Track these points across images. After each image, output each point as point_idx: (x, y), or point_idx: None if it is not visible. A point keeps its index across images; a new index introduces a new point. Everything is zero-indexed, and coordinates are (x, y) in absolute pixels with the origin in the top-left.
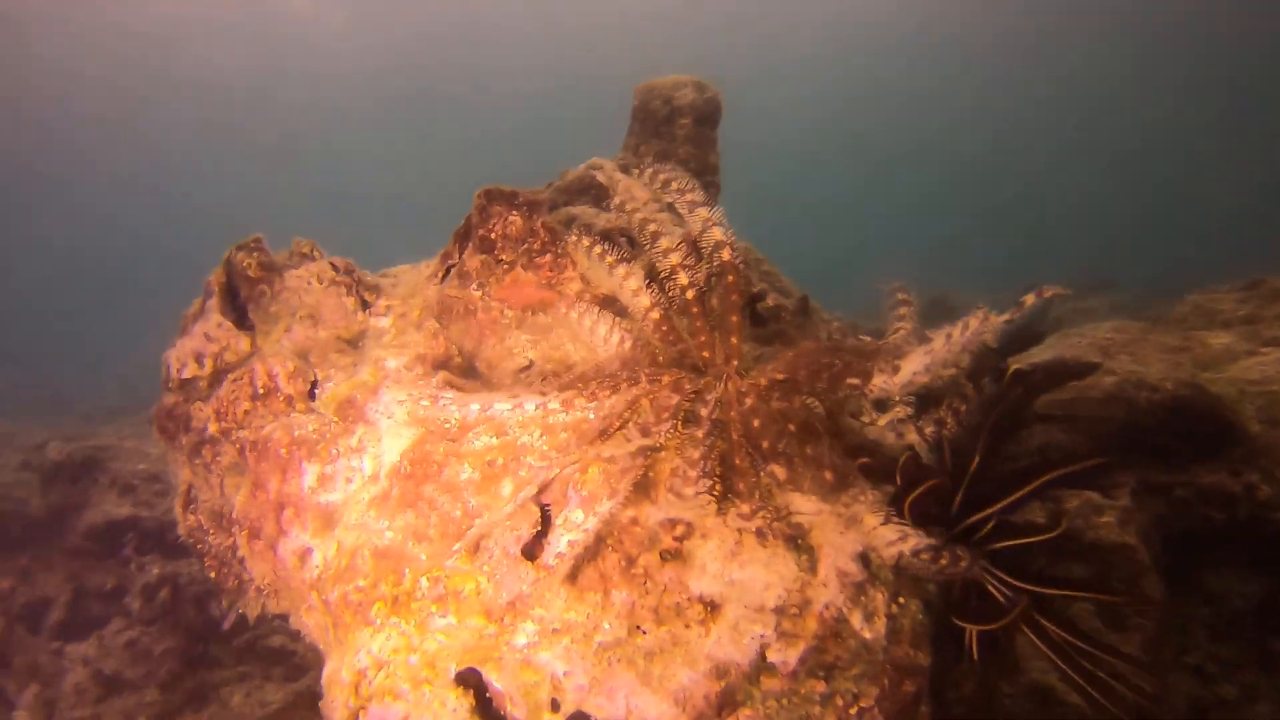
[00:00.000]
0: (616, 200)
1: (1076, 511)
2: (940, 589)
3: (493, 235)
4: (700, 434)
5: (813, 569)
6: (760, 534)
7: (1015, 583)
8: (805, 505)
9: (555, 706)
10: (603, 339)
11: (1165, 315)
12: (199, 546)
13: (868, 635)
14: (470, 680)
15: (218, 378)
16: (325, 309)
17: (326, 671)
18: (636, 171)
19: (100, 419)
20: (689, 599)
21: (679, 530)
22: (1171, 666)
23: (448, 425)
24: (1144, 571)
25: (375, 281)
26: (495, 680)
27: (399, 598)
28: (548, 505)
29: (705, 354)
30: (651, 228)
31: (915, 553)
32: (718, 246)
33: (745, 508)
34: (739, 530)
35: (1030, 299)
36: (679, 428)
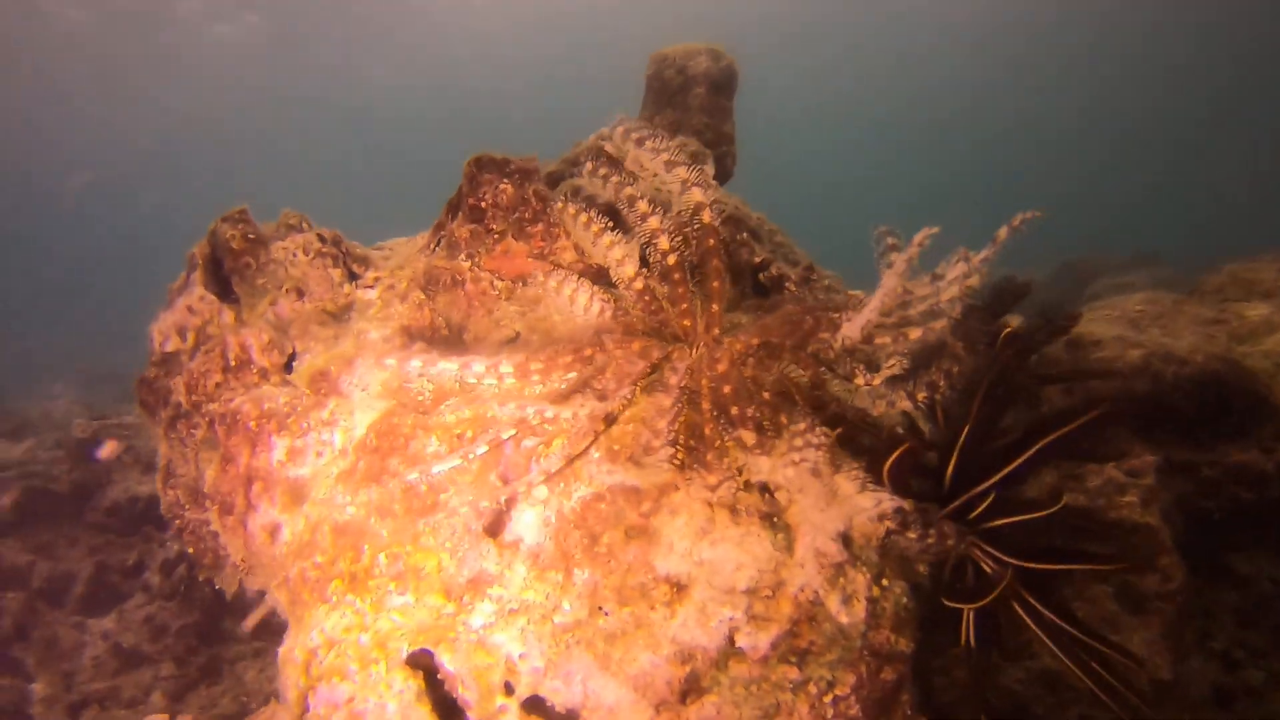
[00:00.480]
0: (597, 170)
1: (1098, 490)
2: (931, 570)
3: (483, 204)
4: (668, 402)
5: (789, 548)
6: (734, 511)
7: (1003, 556)
8: (766, 466)
9: (509, 690)
10: (582, 308)
11: (1201, 286)
12: (177, 522)
13: (844, 620)
14: (422, 662)
15: (199, 351)
16: (311, 281)
17: (281, 650)
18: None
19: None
20: (655, 579)
21: (645, 506)
22: (1194, 651)
23: (421, 397)
24: (1165, 552)
25: (365, 253)
26: (448, 662)
27: (357, 575)
28: (511, 479)
29: (686, 322)
30: (628, 191)
31: (900, 526)
32: (697, 208)
33: (712, 478)
34: (710, 506)
35: (1003, 232)
36: (638, 394)
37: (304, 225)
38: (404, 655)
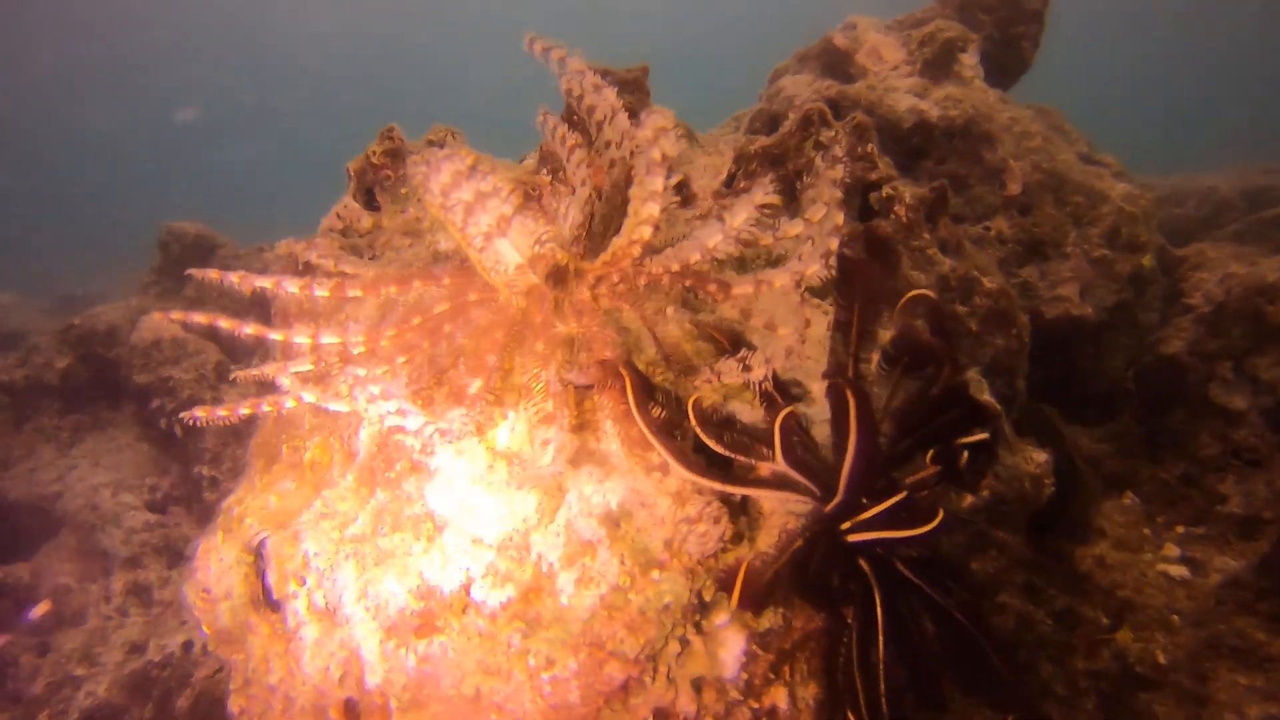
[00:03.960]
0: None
1: None
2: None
3: (574, 118)
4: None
5: (552, 513)
6: (512, 462)
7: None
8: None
9: (301, 581)
10: (570, 222)
11: None
12: None
13: (565, 601)
14: (255, 545)
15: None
16: None
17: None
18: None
19: None
20: (427, 513)
21: (429, 441)
22: None
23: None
24: None
25: (491, 167)
26: (268, 543)
27: (272, 456)
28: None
29: (576, 248)
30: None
31: (695, 517)
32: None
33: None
34: (493, 453)
35: None
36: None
37: (449, 139)
38: (252, 532)
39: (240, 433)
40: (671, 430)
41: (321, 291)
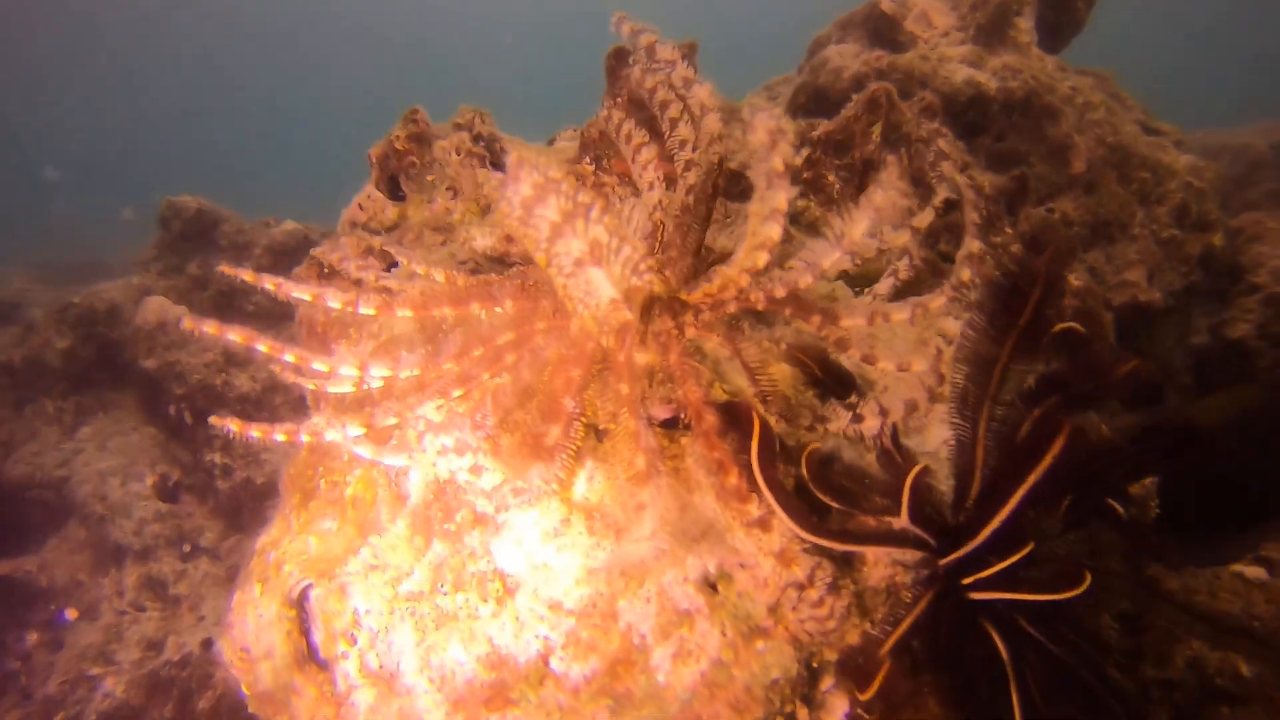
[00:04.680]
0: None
1: None
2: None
3: (618, 100)
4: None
5: (640, 576)
6: (592, 517)
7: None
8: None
9: (352, 640)
10: (634, 228)
11: None
12: None
13: (661, 678)
14: (300, 594)
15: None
16: (463, 180)
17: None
18: None
19: None
20: (494, 571)
21: (503, 493)
22: None
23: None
24: None
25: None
26: (314, 599)
27: (308, 491)
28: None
29: (667, 272)
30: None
31: (806, 581)
32: (703, 111)
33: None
34: (569, 506)
35: None
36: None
37: (477, 122)
38: (292, 580)
39: (256, 416)
40: (775, 478)
41: (367, 309)
